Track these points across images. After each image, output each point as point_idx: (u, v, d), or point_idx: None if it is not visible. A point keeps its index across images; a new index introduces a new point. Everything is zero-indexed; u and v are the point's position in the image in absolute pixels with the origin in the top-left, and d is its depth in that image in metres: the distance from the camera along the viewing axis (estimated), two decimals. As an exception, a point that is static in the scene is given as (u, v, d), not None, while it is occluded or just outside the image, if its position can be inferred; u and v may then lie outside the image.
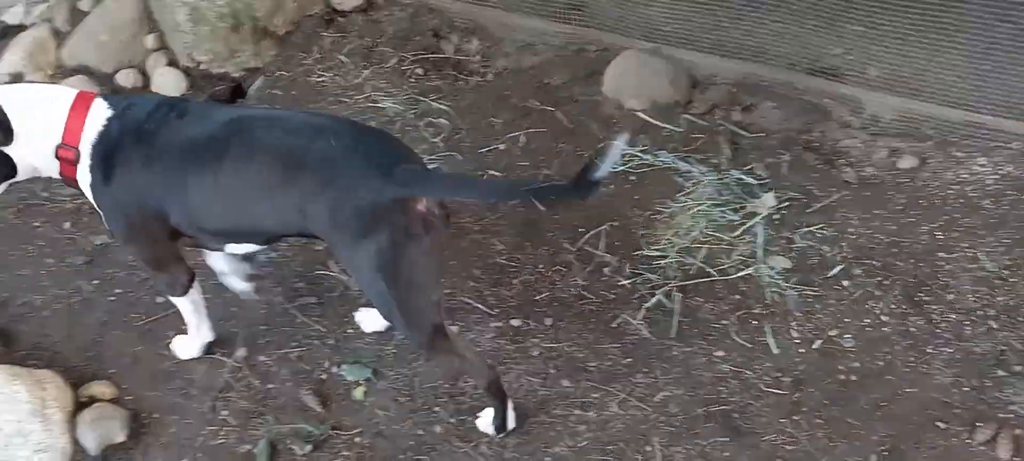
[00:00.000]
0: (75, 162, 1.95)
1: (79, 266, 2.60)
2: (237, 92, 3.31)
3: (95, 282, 2.52)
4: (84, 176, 1.97)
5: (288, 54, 3.43)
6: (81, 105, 1.96)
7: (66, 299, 2.48)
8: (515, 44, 3.46)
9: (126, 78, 3.35)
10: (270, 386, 2.27)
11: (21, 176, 2.03)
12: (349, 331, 2.39)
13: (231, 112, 2.05)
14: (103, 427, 2.12)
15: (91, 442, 2.09)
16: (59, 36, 3.44)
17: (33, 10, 3.61)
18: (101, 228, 2.67)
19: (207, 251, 2.29)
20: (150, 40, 3.44)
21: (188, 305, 2.23)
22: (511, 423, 2.13)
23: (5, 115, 1.92)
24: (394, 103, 3.18)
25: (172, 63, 3.39)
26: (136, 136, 1.93)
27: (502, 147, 3.00)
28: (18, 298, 2.50)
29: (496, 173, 2.88)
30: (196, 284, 2.21)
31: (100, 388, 2.24)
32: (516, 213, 2.73)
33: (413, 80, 3.29)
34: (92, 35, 3.37)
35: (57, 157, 1.96)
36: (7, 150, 1.95)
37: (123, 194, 1.95)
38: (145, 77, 3.39)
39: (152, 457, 2.12)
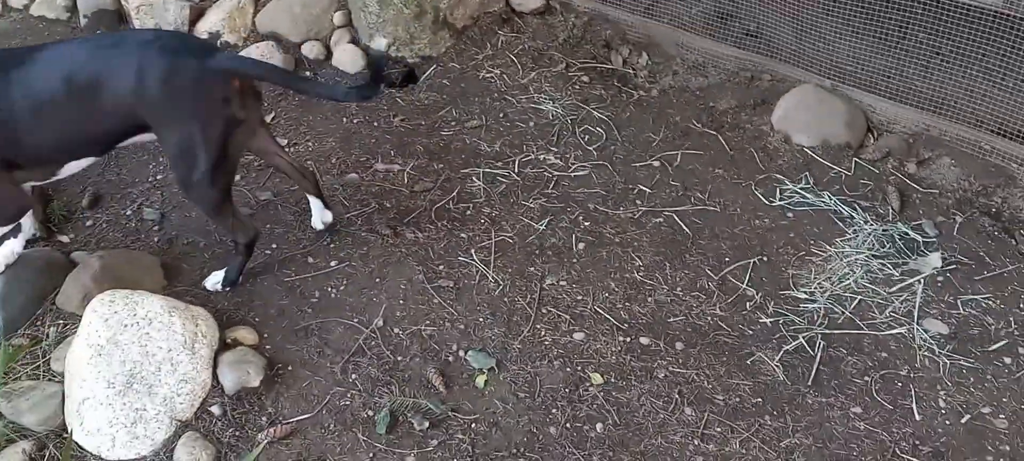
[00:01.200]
0: None
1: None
2: (409, 77, 3.44)
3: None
4: None
5: (462, 47, 3.54)
6: None
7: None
8: (685, 64, 3.41)
9: (310, 49, 3.57)
10: (399, 358, 2.33)
11: None
12: (479, 319, 2.43)
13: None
14: (241, 370, 2.24)
15: (229, 381, 2.23)
16: (258, 3, 3.70)
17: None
18: (267, 184, 2.86)
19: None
20: (338, 17, 3.64)
21: None
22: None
23: None
24: (554, 106, 3.21)
25: (353, 41, 3.57)
26: None
27: (655, 164, 2.95)
28: (185, 238, 2.71)
29: (645, 189, 2.84)
30: None
31: (243, 333, 2.37)
32: (660, 231, 2.68)
33: (577, 87, 3.31)
34: (287, 6, 3.61)
35: None
36: None
37: None
38: (328, 51, 3.59)
39: (281, 406, 2.22)
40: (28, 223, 2.55)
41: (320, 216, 2.68)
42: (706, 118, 3.14)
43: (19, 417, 2.15)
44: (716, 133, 3.07)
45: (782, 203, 2.74)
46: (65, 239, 2.69)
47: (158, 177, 2.92)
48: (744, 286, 2.50)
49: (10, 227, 2.39)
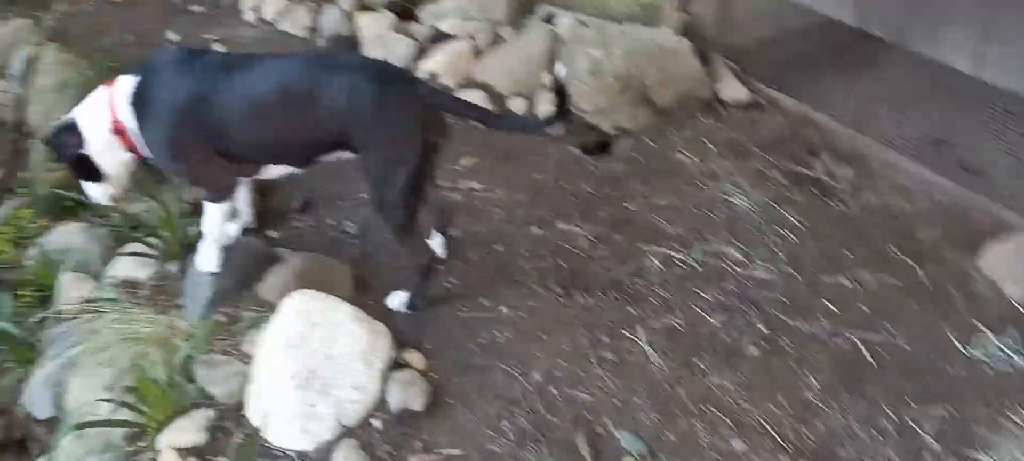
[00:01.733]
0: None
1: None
2: (603, 147, 3.51)
3: (440, 267, 2.81)
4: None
5: (660, 126, 3.57)
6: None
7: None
8: (891, 184, 3.26)
9: (515, 103, 3.73)
10: (552, 418, 2.35)
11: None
12: (636, 400, 2.41)
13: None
14: (408, 391, 2.35)
15: (395, 399, 2.34)
16: (477, 53, 3.92)
17: (466, 26, 4.17)
18: (458, 222, 3.00)
19: None
20: (546, 77, 3.79)
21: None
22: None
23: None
24: (746, 202, 3.16)
25: (558, 102, 3.69)
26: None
27: (846, 283, 2.83)
28: (377, 257, 2.88)
29: (831, 306, 2.73)
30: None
31: (415, 357, 2.49)
32: (841, 354, 2.56)
33: (773, 186, 3.24)
34: (503, 59, 3.80)
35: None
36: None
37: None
38: (531, 106, 3.73)
39: (435, 435, 2.30)
40: (246, 212, 2.82)
41: (441, 248, 2.80)
42: (907, 246, 2.98)
43: (208, 386, 2.36)
44: (915, 264, 2.90)
45: (981, 356, 2.55)
46: (273, 235, 2.94)
47: (363, 196, 3.13)
48: (926, 435, 2.34)
49: (229, 212, 2.65)
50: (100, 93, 2.47)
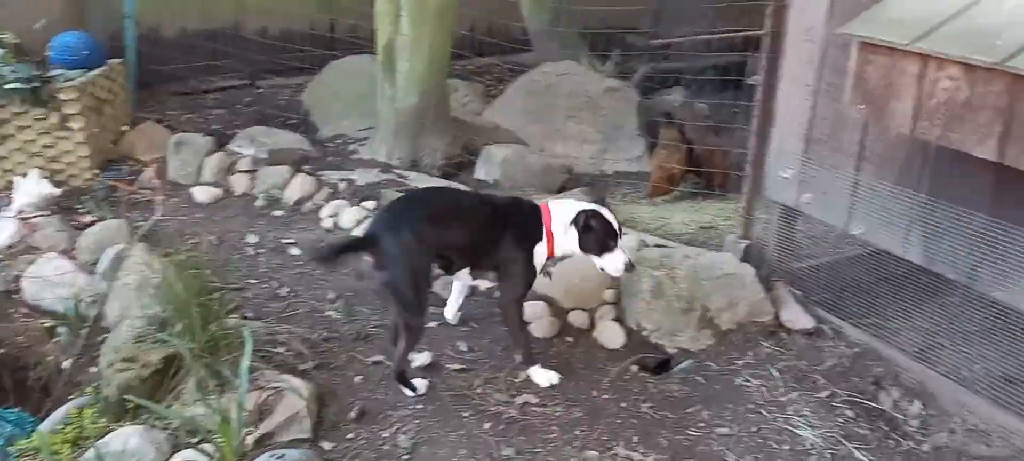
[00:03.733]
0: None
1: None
2: (663, 366, 3.49)
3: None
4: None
5: (722, 349, 3.56)
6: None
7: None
8: (965, 425, 3.13)
9: (576, 317, 3.77)
10: None
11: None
12: None
13: None
14: None
15: None
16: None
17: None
18: (514, 441, 2.95)
19: None
20: (608, 294, 3.85)
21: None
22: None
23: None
24: (813, 435, 3.06)
25: (617, 319, 3.73)
26: None
27: (922, 532, 2.67)
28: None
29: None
30: None
31: None
32: None
33: (840, 420, 3.15)
34: (566, 275, 3.88)
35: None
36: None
37: None
38: (592, 322, 3.77)
39: None
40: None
41: None
42: (986, 494, 2.82)
43: None
44: (997, 515, 2.73)
45: None
46: (327, 447, 2.94)
47: (417, 406, 3.15)
48: None
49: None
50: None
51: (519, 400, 3.23)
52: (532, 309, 3.75)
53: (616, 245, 3.29)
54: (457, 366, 3.40)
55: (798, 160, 3.62)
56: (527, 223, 3.32)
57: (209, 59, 6.78)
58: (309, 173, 5.10)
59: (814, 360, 3.47)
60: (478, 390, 3.27)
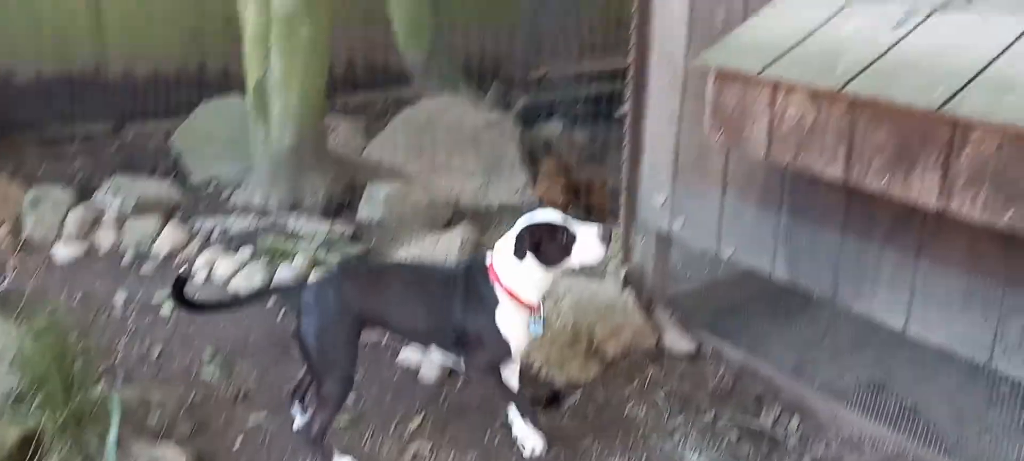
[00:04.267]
0: None
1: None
2: (554, 399, 3.50)
3: None
4: None
5: (609, 378, 3.60)
6: None
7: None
8: (840, 437, 3.28)
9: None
10: None
11: None
12: None
13: None
14: None
15: None
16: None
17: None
18: None
19: None
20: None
21: None
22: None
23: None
24: (701, 460, 3.13)
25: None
26: None
27: (805, 546, 2.76)
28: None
29: None
30: None
31: None
32: None
33: (725, 443, 3.23)
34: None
35: None
36: None
37: None
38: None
39: None
40: None
41: None
42: (862, 501, 2.95)
43: None
44: (872, 521, 2.86)
45: None
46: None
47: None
48: None
49: None
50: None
51: (411, 450, 3.15)
52: (420, 355, 3.69)
53: (572, 231, 2.83)
54: (344, 420, 3.29)
55: (668, 187, 3.73)
56: (477, 288, 2.93)
57: (69, 105, 6.41)
58: (181, 222, 4.87)
59: (697, 383, 3.56)
60: (367, 444, 3.17)
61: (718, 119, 2.76)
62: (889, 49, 2.35)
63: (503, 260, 2.89)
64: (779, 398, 3.48)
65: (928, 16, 2.42)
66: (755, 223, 3.37)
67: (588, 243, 2.83)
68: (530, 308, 2.92)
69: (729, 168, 3.41)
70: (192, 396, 3.39)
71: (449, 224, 5.27)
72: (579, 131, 6.77)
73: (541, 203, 5.37)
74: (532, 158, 6.12)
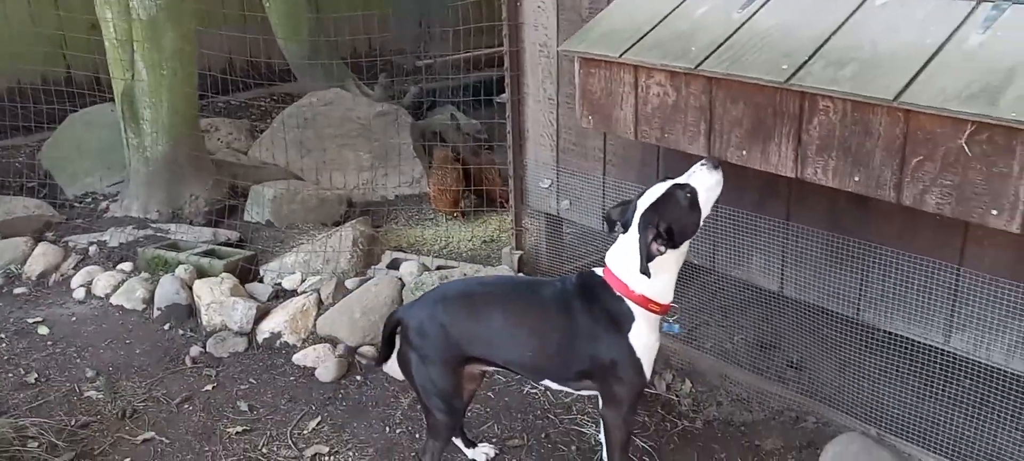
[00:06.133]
0: None
1: None
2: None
3: None
4: None
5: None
6: None
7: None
8: (730, 396, 3.42)
9: (366, 351, 3.70)
10: None
11: None
12: None
13: None
14: None
15: None
16: (321, 307, 3.92)
17: (308, 280, 4.18)
18: None
19: None
20: (392, 325, 3.81)
21: None
22: None
23: None
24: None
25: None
26: None
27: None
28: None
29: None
30: None
31: None
32: None
33: (620, 413, 3.32)
34: (348, 310, 3.80)
35: None
36: None
37: None
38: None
39: None
40: None
41: None
42: (752, 457, 3.09)
43: None
44: (762, 475, 3.00)
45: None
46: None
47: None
48: None
49: None
50: None
51: (309, 453, 3.11)
52: (315, 352, 3.64)
53: (688, 184, 2.40)
54: (238, 429, 3.22)
55: (553, 169, 3.78)
56: (603, 307, 2.47)
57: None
58: (53, 241, 4.64)
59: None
60: (263, 451, 3.11)
61: (587, 104, 2.82)
62: (738, 28, 2.45)
63: (627, 265, 2.42)
64: (671, 364, 3.60)
65: (774, -6, 2.53)
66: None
67: (706, 181, 2.40)
68: (666, 310, 2.52)
69: (608, 148, 3.48)
70: (74, 421, 3.24)
71: (342, 220, 5.20)
72: (471, 118, 6.78)
73: (430, 198, 5.36)
74: (426, 148, 6.10)
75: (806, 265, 2.92)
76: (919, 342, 2.78)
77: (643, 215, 2.37)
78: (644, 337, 2.45)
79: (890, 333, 2.87)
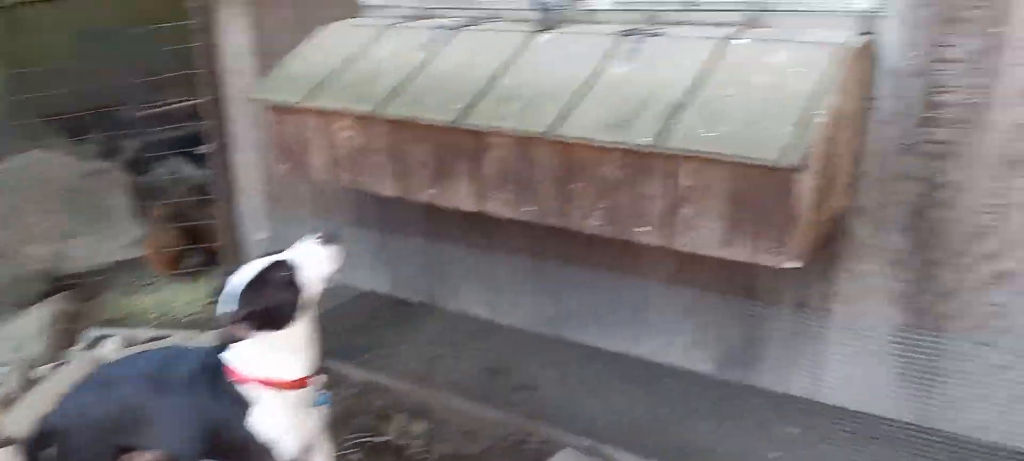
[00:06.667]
0: None
1: None
2: None
3: None
4: None
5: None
6: None
7: None
8: (460, 430, 3.45)
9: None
10: None
11: None
12: None
13: None
14: None
15: None
16: (7, 403, 3.45)
17: (-9, 372, 3.68)
18: None
19: None
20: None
21: None
22: None
23: None
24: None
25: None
26: None
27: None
28: None
29: None
30: None
31: None
32: None
33: (349, 465, 3.24)
34: (37, 404, 3.38)
35: None
36: None
37: None
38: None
39: None
40: None
41: None
42: (480, 488, 3.13)
43: None
44: (489, 504, 3.04)
45: None
46: None
47: None
48: None
49: None
50: None
51: None
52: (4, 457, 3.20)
53: (287, 262, 2.23)
54: None
55: (267, 220, 3.66)
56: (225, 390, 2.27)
57: None
58: None
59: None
60: None
61: (281, 150, 2.75)
62: (418, 71, 2.51)
63: (237, 354, 2.24)
64: (403, 406, 3.57)
65: (452, 36, 2.63)
66: (354, 244, 3.42)
67: (312, 260, 2.25)
68: (301, 384, 2.32)
69: (319, 194, 3.42)
70: None
71: (46, 296, 4.66)
72: (193, 170, 6.39)
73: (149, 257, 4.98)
74: (145, 208, 5.64)
75: (508, 290, 3.04)
76: (616, 351, 2.98)
77: (225, 311, 2.16)
78: (273, 418, 2.26)
79: (596, 347, 3.05)
